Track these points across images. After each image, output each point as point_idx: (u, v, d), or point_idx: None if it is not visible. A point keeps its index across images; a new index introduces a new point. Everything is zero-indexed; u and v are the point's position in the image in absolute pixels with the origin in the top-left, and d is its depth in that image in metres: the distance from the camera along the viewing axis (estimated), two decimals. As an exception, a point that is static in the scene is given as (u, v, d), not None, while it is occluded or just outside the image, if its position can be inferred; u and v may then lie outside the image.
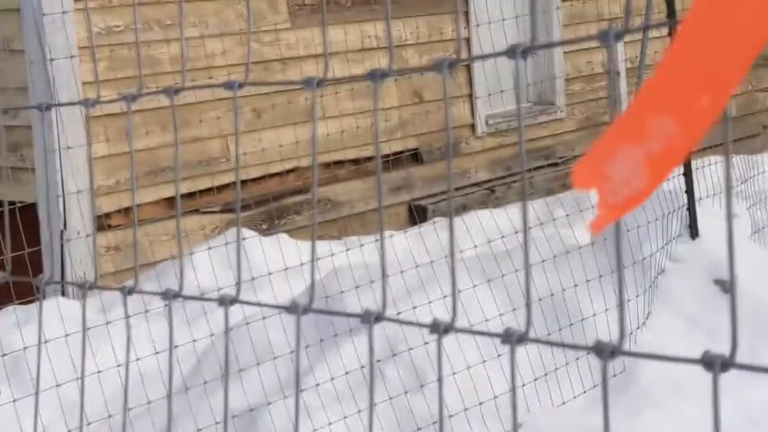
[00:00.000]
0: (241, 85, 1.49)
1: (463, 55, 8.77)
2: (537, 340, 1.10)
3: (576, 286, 5.61)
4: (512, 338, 1.10)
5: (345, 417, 4.99)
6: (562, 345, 1.07)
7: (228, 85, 1.50)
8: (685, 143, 0.84)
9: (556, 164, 9.04)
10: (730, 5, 0.84)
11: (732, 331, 0.94)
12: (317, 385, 5.07)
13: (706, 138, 0.86)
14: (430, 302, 5.40)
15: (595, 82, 9.36)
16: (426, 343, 5.19)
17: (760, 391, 5.34)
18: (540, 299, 5.56)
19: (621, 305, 1.05)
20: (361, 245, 5.56)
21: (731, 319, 0.94)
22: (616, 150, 0.88)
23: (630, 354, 1.05)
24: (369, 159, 8.11)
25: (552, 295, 5.58)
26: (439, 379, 1.23)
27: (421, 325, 1.21)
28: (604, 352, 1.01)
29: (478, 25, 8.34)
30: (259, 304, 1.57)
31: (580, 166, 0.90)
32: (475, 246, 5.91)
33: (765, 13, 0.82)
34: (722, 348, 0.99)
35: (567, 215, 6.93)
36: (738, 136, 10.01)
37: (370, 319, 1.17)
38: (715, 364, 0.94)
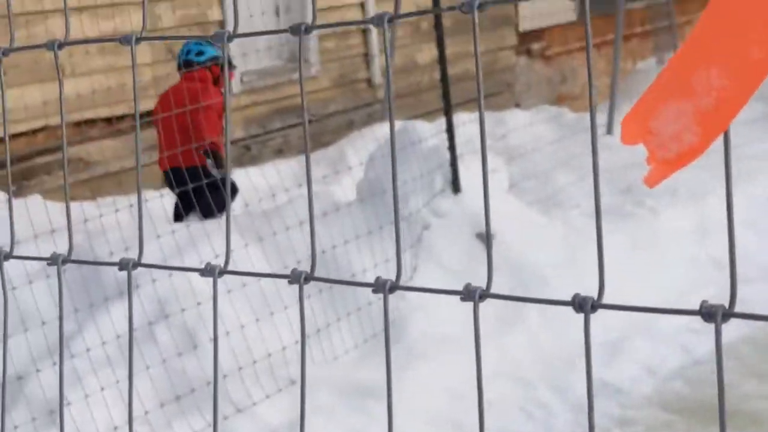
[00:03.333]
0: (61, 46, 1.42)
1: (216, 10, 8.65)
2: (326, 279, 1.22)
3: (346, 242, 5.65)
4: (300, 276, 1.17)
5: (118, 381, 4.88)
6: (345, 282, 1.16)
7: (50, 46, 1.44)
8: (736, 97, 0.84)
9: (309, 122, 9.07)
10: None
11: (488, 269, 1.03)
12: (88, 350, 4.94)
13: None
14: (201, 261, 5.32)
15: (349, 40, 9.41)
16: (199, 304, 5.12)
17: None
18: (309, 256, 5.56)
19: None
20: (116, 210, 5.42)
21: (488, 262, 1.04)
22: (662, 105, 0.88)
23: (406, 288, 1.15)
24: (122, 118, 7.90)
25: (323, 252, 5.60)
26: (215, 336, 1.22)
27: (192, 269, 1.33)
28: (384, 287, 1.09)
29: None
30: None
31: (627, 120, 0.90)
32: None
33: None
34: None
35: (331, 174, 6.95)
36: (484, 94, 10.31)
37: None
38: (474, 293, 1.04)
